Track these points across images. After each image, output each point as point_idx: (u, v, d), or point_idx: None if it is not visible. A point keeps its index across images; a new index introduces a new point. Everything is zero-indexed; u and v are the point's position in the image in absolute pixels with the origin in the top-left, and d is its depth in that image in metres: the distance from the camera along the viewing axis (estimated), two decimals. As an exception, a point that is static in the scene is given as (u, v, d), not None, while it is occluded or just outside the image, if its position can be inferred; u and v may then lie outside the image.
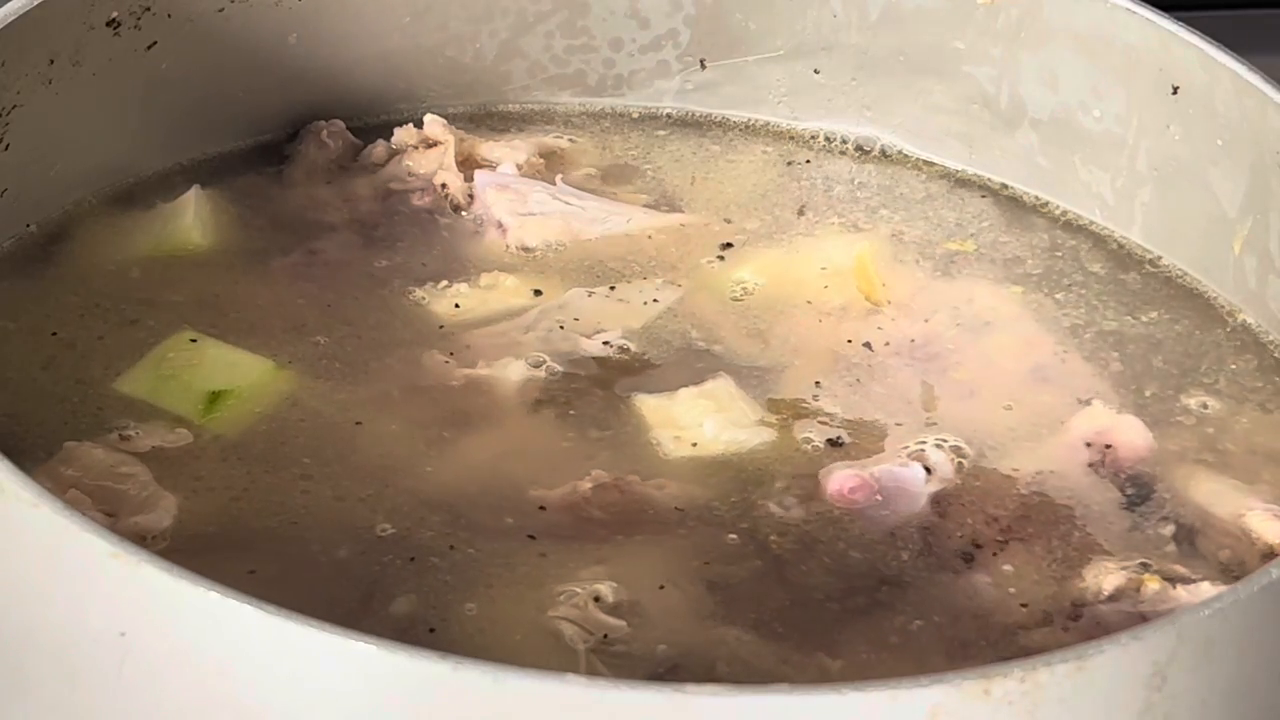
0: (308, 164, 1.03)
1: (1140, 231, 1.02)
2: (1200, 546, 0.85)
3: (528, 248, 0.99)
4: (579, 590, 0.78)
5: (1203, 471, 0.89)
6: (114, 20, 0.95)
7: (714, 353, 0.94)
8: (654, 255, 1.00)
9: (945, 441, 0.88)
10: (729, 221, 1.03)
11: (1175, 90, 0.98)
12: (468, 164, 1.04)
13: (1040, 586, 0.82)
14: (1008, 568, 0.83)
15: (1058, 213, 1.04)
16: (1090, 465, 0.89)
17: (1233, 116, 0.95)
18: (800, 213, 1.04)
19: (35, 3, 0.90)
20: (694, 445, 0.87)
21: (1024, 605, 0.81)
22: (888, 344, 0.95)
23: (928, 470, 0.86)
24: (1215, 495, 0.87)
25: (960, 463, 0.88)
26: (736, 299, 0.98)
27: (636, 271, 0.99)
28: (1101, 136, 1.02)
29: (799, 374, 0.93)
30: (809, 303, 0.97)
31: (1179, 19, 0.98)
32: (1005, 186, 1.06)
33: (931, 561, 0.83)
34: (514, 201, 1.01)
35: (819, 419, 0.90)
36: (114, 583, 0.65)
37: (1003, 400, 0.92)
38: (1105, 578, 0.82)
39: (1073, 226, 1.03)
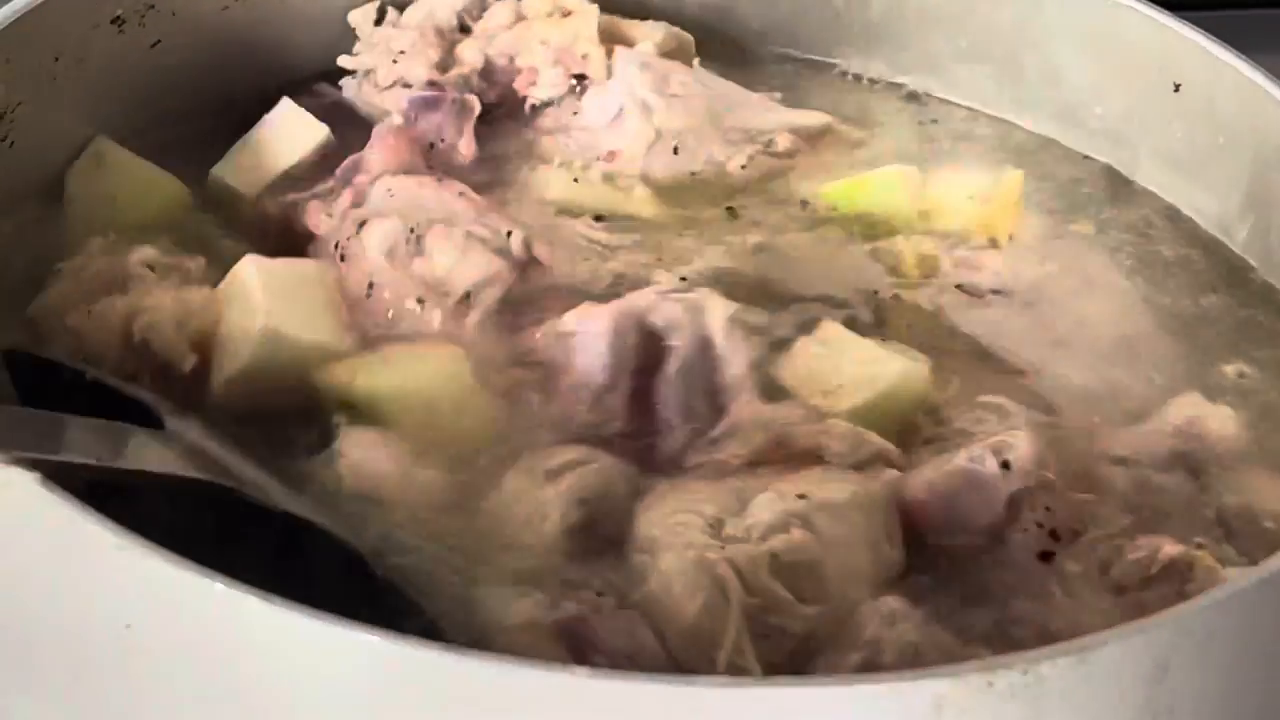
0: (427, 7, 1.00)
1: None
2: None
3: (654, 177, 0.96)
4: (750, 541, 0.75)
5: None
6: (118, 18, 0.95)
7: (816, 292, 0.91)
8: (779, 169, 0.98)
9: (1017, 430, 0.83)
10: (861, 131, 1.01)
11: (1177, 88, 0.98)
12: (605, 40, 1.00)
13: (1101, 572, 0.80)
14: (1075, 564, 0.80)
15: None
16: (1173, 455, 0.86)
17: (1234, 114, 0.95)
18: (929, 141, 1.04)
19: (40, 0, 0.90)
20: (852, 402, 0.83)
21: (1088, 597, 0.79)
22: (997, 283, 0.93)
23: (1005, 466, 0.81)
24: None
25: (1041, 456, 0.82)
26: (861, 231, 0.96)
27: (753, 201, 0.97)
28: (1104, 134, 1.02)
29: (901, 308, 0.92)
30: (929, 231, 0.96)
31: (1182, 18, 0.98)
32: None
33: (1005, 557, 0.80)
34: (657, 81, 0.98)
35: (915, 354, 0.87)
36: (120, 575, 0.65)
37: (1089, 359, 0.90)
38: (1164, 548, 0.79)
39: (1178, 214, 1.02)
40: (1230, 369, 0.92)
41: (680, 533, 0.74)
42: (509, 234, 0.87)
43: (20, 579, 0.68)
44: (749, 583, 0.73)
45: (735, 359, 0.82)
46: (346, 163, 0.93)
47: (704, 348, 0.82)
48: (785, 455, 0.79)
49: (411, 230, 0.86)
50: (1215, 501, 0.85)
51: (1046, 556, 0.79)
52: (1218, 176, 0.97)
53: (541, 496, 0.77)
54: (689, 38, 1.03)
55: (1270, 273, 0.96)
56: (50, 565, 0.67)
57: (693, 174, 0.97)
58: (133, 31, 0.96)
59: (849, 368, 0.84)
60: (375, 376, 0.82)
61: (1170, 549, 0.79)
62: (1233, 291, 0.97)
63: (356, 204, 0.89)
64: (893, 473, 0.80)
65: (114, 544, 0.65)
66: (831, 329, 0.87)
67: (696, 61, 1.01)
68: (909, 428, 0.84)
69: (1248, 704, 0.68)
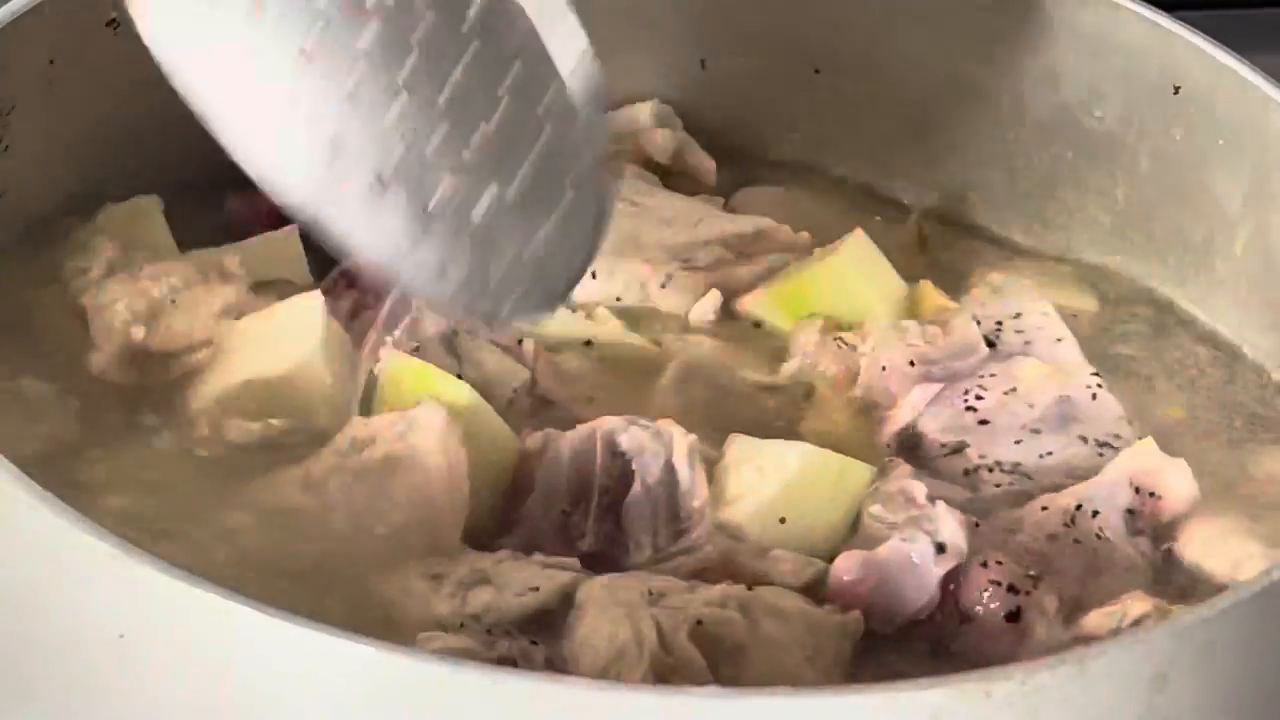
0: None
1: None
2: None
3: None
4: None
5: (1238, 527, 0.85)
6: (114, 21, 0.95)
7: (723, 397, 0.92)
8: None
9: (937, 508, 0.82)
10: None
11: (1177, 90, 0.98)
12: None
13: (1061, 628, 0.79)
14: (1040, 625, 0.79)
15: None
16: (1130, 512, 0.85)
17: (1234, 116, 0.95)
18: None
19: (35, 3, 0.90)
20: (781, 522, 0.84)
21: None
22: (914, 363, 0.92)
23: (941, 549, 0.80)
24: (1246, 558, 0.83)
25: (976, 523, 0.82)
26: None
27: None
28: (1102, 137, 1.02)
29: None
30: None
31: (1180, 18, 0.98)
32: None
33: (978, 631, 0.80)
34: None
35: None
36: (113, 584, 0.65)
37: (1016, 434, 0.89)
38: (1133, 605, 0.78)
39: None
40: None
41: (618, 592, 0.76)
42: (520, 342, 0.90)
43: (12, 589, 0.68)
44: (667, 641, 0.73)
45: (698, 490, 0.83)
46: (334, 272, 0.92)
47: (669, 473, 0.83)
48: (734, 576, 0.80)
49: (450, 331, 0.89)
50: (1170, 556, 0.84)
51: (1014, 616, 0.79)
52: (1217, 180, 0.97)
53: (535, 574, 0.78)
54: (644, 128, 1.03)
55: (1271, 275, 0.96)
56: (42, 574, 0.67)
57: (618, 299, 0.96)
58: (129, 34, 0.96)
59: (750, 473, 0.84)
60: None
61: (1140, 606, 0.78)
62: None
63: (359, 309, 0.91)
64: (853, 615, 0.78)
65: (107, 553, 0.65)
66: (737, 439, 0.86)
67: (629, 169, 1.01)
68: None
69: (1249, 713, 0.68)
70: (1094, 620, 0.78)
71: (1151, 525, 0.85)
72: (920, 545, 0.80)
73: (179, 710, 0.65)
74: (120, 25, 0.95)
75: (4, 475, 0.68)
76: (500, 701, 0.61)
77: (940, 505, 0.81)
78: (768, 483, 0.83)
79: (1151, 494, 0.85)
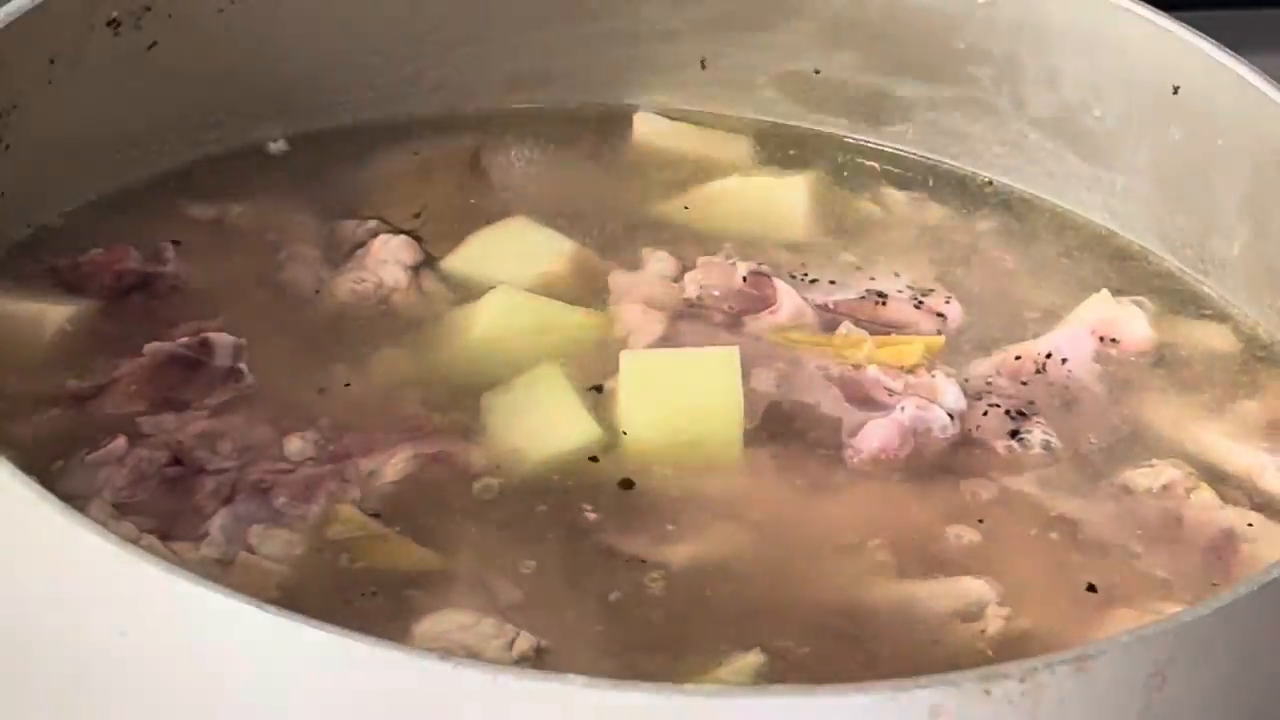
0: None
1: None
2: None
3: None
4: None
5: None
6: (114, 20, 0.95)
7: None
8: None
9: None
10: None
11: (1176, 90, 0.98)
12: None
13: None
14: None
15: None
16: (1095, 353, 0.92)
17: (1233, 117, 0.95)
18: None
19: (36, 3, 0.90)
20: None
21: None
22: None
23: (951, 416, 0.87)
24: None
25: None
26: None
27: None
28: (1102, 136, 1.02)
29: None
30: None
31: (1180, 18, 0.98)
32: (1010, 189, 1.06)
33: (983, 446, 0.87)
34: None
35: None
36: (115, 582, 0.65)
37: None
38: (1162, 472, 0.86)
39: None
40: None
41: None
42: None
43: (14, 587, 0.68)
44: None
45: None
46: None
47: None
48: None
49: None
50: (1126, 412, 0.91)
51: (1016, 435, 0.88)
52: (1216, 180, 0.97)
53: None
54: None
55: (1270, 275, 0.96)
56: (45, 573, 0.67)
57: None
58: (129, 34, 0.96)
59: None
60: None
61: (1171, 471, 0.86)
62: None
63: None
64: None
65: (109, 551, 0.65)
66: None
67: None
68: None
69: (1249, 711, 0.68)
70: (1130, 476, 0.86)
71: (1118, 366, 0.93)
72: (933, 414, 0.86)
73: (179, 710, 0.65)
74: (121, 25, 0.96)
75: (4, 474, 0.68)
76: (500, 700, 0.61)
77: (939, 375, 0.89)
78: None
79: (1113, 339, 0.94)
